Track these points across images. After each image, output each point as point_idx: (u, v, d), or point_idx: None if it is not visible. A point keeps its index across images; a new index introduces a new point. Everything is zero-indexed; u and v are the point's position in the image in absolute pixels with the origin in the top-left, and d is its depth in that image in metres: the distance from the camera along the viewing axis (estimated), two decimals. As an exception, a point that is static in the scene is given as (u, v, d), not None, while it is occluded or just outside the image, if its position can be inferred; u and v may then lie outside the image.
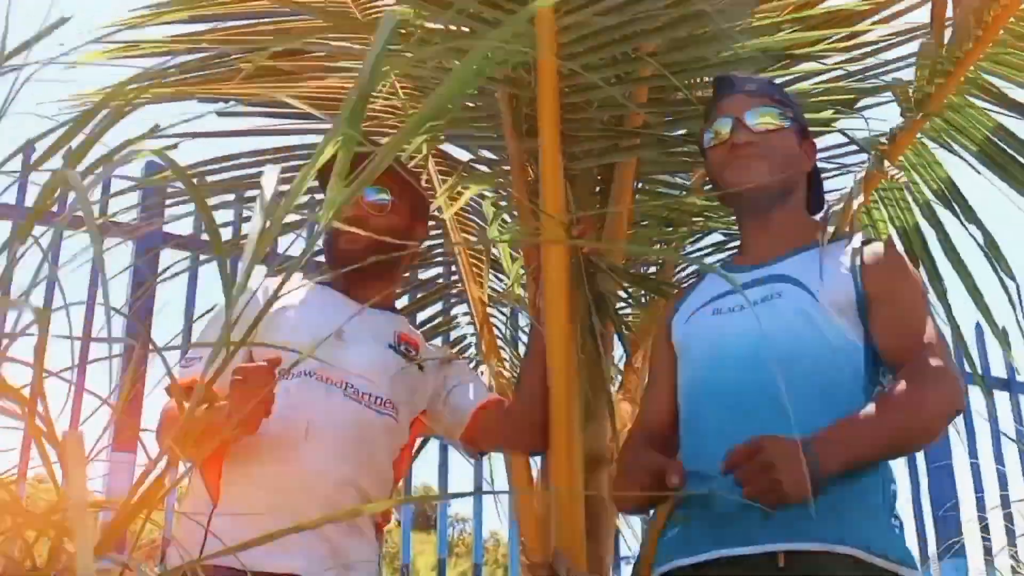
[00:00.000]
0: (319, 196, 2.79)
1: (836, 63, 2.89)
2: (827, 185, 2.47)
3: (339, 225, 2.03)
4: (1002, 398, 4.60)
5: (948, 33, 2.55)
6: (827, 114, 2.79)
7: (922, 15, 2.67)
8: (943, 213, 2.78)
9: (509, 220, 3.18)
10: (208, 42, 3.07)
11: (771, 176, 2.04)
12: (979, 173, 2.74)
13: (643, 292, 3.06)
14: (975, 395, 4.33)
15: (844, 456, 1.74)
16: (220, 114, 3.14)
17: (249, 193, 3.27)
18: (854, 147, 2.97)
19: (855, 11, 2.83)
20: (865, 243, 2.06)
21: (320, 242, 2.40)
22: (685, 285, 2.46)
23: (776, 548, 1.75)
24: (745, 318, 1.98)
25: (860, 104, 2.86)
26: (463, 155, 3.25)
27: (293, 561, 1.97)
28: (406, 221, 2.34)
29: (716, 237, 3.25)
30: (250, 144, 3.31)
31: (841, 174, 3.06)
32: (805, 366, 1.88)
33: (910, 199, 2.82)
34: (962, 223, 2.73)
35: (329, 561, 2.03)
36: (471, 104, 2.85)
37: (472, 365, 3.19)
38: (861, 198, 2.55)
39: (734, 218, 3.02)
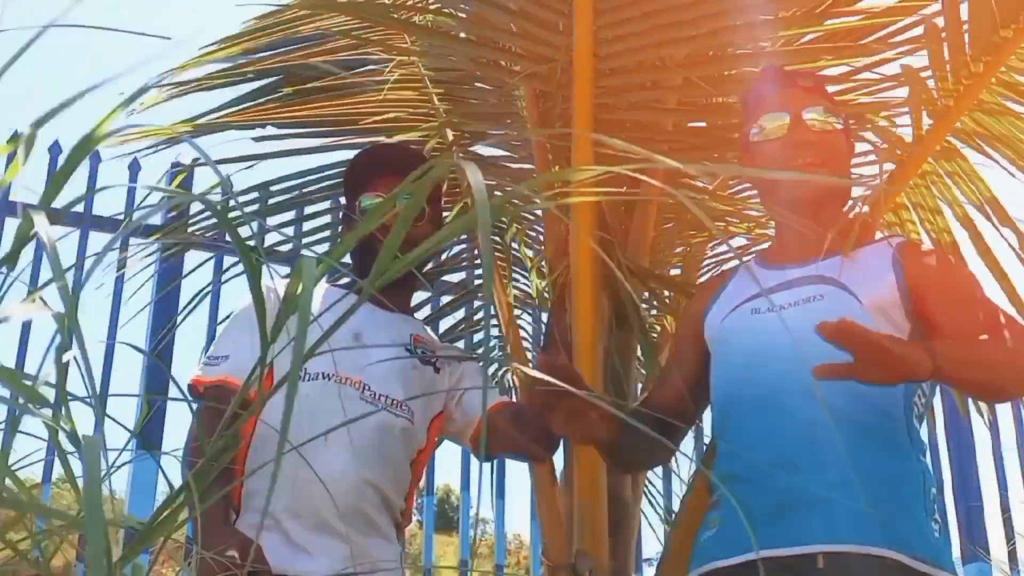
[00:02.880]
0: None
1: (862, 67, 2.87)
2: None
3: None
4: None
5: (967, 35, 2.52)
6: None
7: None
8: (975, 216, 2.76)
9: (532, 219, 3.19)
10: (252, 73, 3.17)
11: (830, 181, 2.00)
12: (1013, 176, 2.71)
13: (667, 294, 3.06)
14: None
15: (959, 354, 1.75)
16: (256, 139, 3.23)
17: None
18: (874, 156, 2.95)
19: (878, 22, 2.79)
20: (904, 243, 2.03)
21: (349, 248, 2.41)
22: (714, 277, 2.42)
23: (815, 549, 1.75)
24: (787, 318, 1.94)
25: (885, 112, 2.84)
26: (487, 153, 3.26)
27: (317, 563, 1.99)
28: (435, 229, 2.36)
29: (737, 241, 3.25)
30: (301, 163, 3.40)
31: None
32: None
33: (942, 204, 2.80)
34: (995, 227, 2.70)
35: (353, 563, 2.05)
36: (495, 101, 2.87)
37: (497, 367, 3.21)
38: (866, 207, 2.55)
39: (753, 221, 3.05)
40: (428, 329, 2.47)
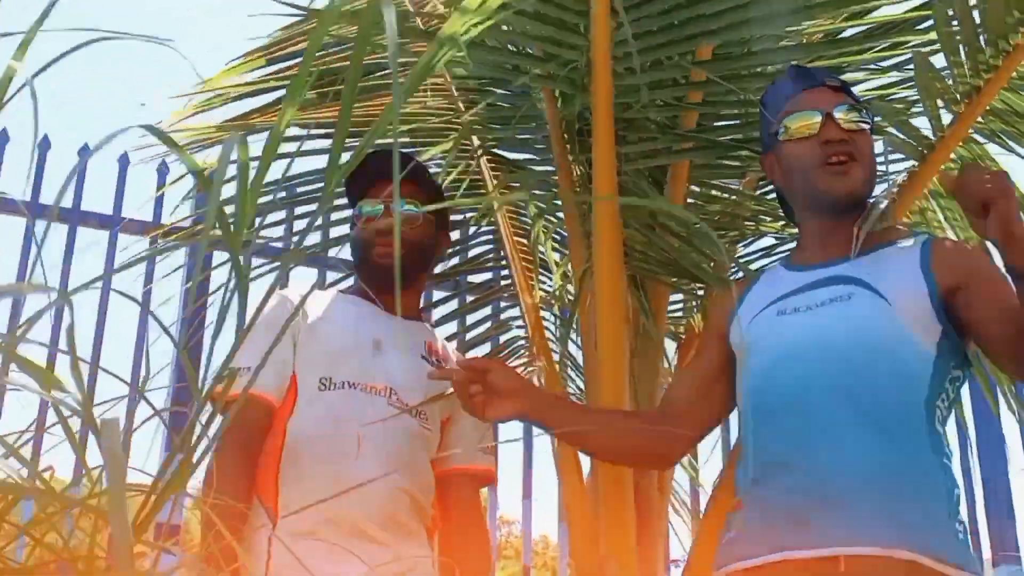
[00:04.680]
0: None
1: (884, 68, 2.86)
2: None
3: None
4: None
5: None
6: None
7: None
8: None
9: (556, 221, 3.19)
10: (275, 80, 3.21)
11: (863, 181, 1.98)
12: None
13: (694, 293, 3.06)
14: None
15: None
16: (285, 139, 3.24)
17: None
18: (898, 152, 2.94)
19: (900, 19, 2.77)
20: (931, 240, 2.00)
21: (352, 252, 2.42)
22: (738, 280, 2.41)
23: (837, 552, 1.73)
24: (811, 318, 1.94)
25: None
26: (515, 157, 3.27)
27: (355, 569, 2.00)
28: (433, 232, 2.37)
29: (767, 241, 3.25)
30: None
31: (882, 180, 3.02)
32: (872, 366, 1.85)
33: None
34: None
35: (390, 567, 2.05)
36: (514, 104, 2.87)
37: (523, 368, 3.21)
38: (886, 204, 2.53)
39: (784, 221, 3.03)
40: (437, 336, 2.48)
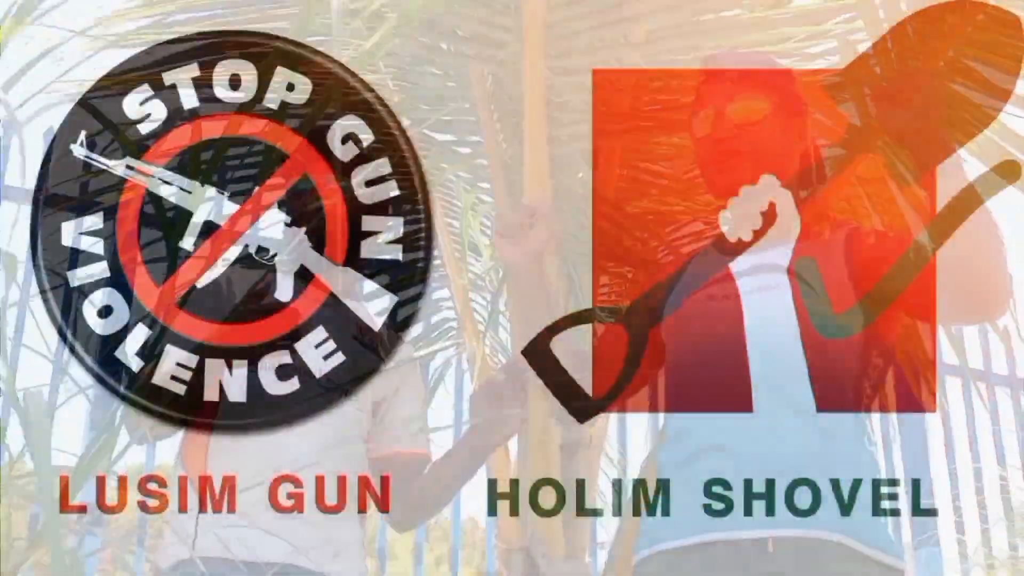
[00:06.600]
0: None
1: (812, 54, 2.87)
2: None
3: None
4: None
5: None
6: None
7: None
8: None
9: (486, 202, 3.17)
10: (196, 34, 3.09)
11: (756, 173, 1.95)
12: (965, 160, 2.72)
13: (623, 275, 3.06)
14: (952, 387, 4.38)
15: None
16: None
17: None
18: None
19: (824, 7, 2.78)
20: (853, 231, 2.01)
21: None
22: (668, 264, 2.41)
23: (765, 534, 1.75)
24: (740, 305, 1.94)
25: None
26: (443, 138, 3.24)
27: (284, 548, 1.98)
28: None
29: (698, 226, 3.25)
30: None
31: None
32: (799, 353, 1.86)
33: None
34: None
35: (320, 547, 2.05)
36: (440, 82, 2.86)
37: (453, 349, 3.21)
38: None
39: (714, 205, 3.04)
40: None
